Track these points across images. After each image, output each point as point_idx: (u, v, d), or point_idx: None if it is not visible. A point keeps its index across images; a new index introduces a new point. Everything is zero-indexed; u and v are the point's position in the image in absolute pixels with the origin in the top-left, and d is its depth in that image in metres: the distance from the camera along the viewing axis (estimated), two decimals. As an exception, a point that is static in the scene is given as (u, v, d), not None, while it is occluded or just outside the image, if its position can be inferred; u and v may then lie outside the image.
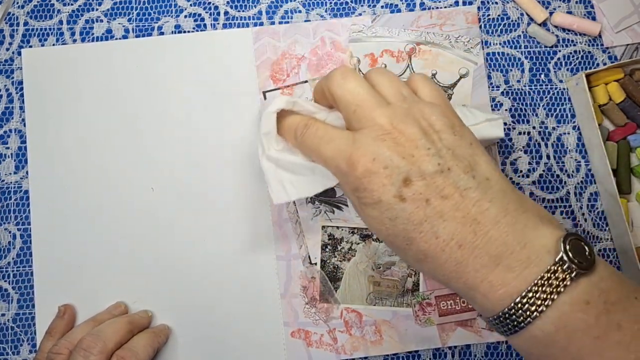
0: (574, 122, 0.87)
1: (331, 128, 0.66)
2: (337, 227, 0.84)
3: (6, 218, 0.85)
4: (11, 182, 0.85)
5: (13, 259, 0.85)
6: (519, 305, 0.56)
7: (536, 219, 0.59)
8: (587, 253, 0.57)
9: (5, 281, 0.84)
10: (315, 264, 0.84)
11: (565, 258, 0.55)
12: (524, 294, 0.56)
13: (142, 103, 0.86)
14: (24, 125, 0.86)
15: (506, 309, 0.57)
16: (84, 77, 0.86)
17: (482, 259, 0.58)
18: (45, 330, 0.81)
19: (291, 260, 0.84)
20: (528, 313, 0.56)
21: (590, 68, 0.89)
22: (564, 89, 0.88)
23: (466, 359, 0.84)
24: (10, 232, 0.85)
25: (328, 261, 0.83)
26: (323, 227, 0.84)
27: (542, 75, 0.88)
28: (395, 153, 0.59)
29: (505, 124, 0.87)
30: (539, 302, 0.55)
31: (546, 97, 0.88)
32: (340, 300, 0.83)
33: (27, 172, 0.85)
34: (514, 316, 0.57)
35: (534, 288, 0.55)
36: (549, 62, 0.88)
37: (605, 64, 0.89)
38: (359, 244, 0.84)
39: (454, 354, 0.84)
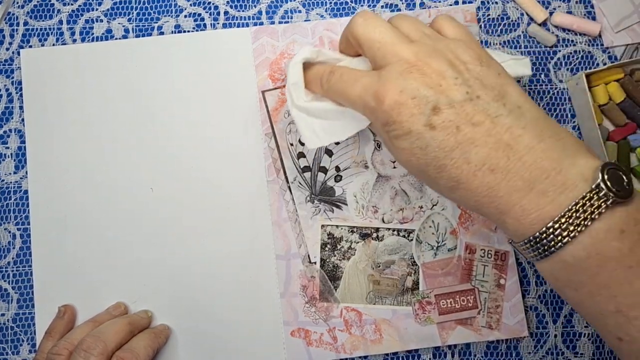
0: (574, 122, 0.87)
1: (356, 70, 0.69)
2: (337, 226, 0.84)
3: (6, 218, 0.85)
4: (11, 182, 0.86)
5: (13, 259, 0.85)
6: (551, 229, 0.57)
7: (573, 147, 0.60)
8: (625, 183, 0.57)
9: (5, 281, 0.84)
10: (315, 263, 0.84)
11: (602, 186, 0.56)
12: (556, 218, 0.57)
13: (140, 103, 0.86)
14: (24, 125, 0.86)
15: (537, 233, 0.58)
16: (84, 77, 0.86)
17: (515, 183, 0.58)
18: (45, 330, 0.81)
19: (291, 259, 0.84)
20: (560, 238, 0.57)
21: (590, 68, 0.89)
22: (564, 88, 0.88)
23: (466, 359, 0.84)
24: (10, 232, 0.85)
25: (327, 260, 0.83)
26: (322, 226, 0.84)
27: (542, 75, 0.88)
28: (422, 84, 0.60)
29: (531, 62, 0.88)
30: (571, 228, 0.56)
31: (546, 97, 0.88)
32: (340, 299, 0.83)
33: (27, 172, 0.85)
34: (544, 240, 0.57)
35: (567, 213, 0.56)
36: (549, 62, 0.88)
37: (605, 64, 0.88)
38: (358, 242, 0.84)
39: (453, 354, 0.84)
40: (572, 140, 0.61)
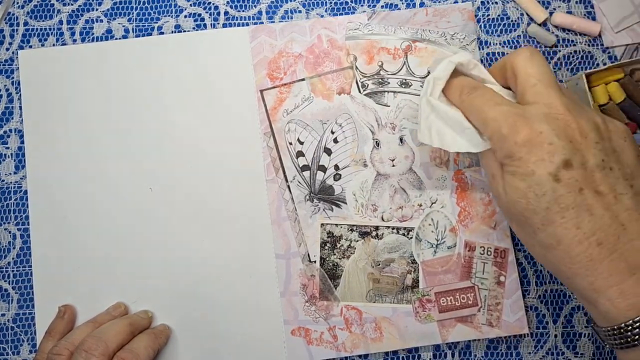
0: (574, 121, 0.87)
1: (501, 96, 0.68)
2: (336, 225, 0.84)
3: (6, 218, 0.85)
4: (11, 182, 0.86)
5: (13, 259, 0.85)
6: None
7: None
8: None
9: (5, 281, 0.84)
10: (315, 261, 0.84)
11: None
12: None
13: (140, 103, 0.87)
14: (24, 125, 0.86)
15: (631, 320, 0.57)
16: (83, 77, 0.87)
17: (618, 264, 0.57)
18: (45, 330, 0.81)
19: (290, 258, 0.84)
20: None
21: (590, 68, 0.88)
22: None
23: (466, 359, 0.84)
24: (10, 232, 0.85)
25: (327, 259, 0.83)
26: (322, 224, 0.84)
27: (542, 75, 0.88)
28: (563, 134, 0.59)
29: None
30: None
31: (546, 96, 0.88)
32: (340, 298, 0.83)
33: (27, 172, 0.85)
34: (638, 329, 0.56)
35: None
36: (549, 62, 0.88)
37: (605, 64, 0.88)
38: (358, 241, 0.84)
39: (454, 354, 0.84)
40: None
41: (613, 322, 0.58)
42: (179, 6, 0.89)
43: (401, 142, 0.85)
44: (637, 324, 0.56)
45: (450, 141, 0.71)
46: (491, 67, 0.74)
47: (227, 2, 0.89)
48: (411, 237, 0.84)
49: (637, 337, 0.56)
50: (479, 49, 0.87)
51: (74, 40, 0.88)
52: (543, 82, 0.63)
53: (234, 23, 0.89)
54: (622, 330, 0.57)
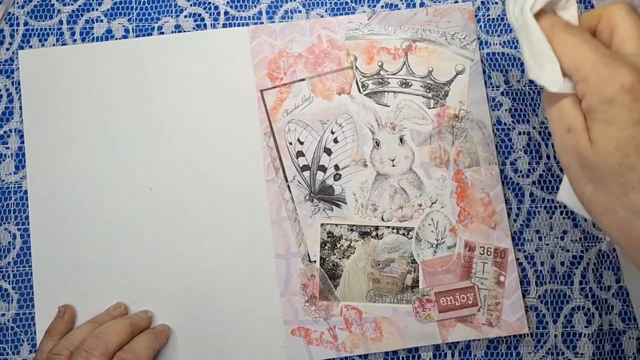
0: (574, 121, 0.87)
1: (596, 40, 0.60)
2: (336, 225, 0.84)
3: (6, 218, 0.85)
4: (11, 182, 0.86)
5: (13, 259, 0.85)
6: None
7: None
8: None
9: (5, 281, 0.84)
10: (315, 261, 0.84)
11: None
12: None
13: (140, 103, 0.87)
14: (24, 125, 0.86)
15: None
16: (83, 78, 0.87)
17: None
18: (45, 330, 0.81)
19: (290, 258, 0.84)
20: None
21: (590, 68, 0.88)
22: (563, 88, 0.87)
23: (466, 359, 0.84)
24: (10, 232, 0.85)
25: (327, 259, 0.83)
26: (322, 224, 0.84)
27: (542, 75, 0.88)
28: None
29: None
30: None
31: (546, 96, 0.87)
32: (340, 298, 0.83)
33: (27, 172, 0.85)
34: None
35: None
36: (549, 62, 0.88)
37: (605, 64, 0.88)
38: (358, 241, 0.84)
39: (454, 354, 0.84)
40: None
41: None
42: (179, 6, 0.89)
43: (401, 142, 0.85)
44: None
45: (530, 65, 0.62)
46: (583, 15, 0.64)
47: (227, 2, 0.89)
48: (411, 237, 0.84)
49: None
50: (479, 49, 0.87)
51: (74, 40, 0.88)
52: None
53: (234, 23, 0.89)
54: None
